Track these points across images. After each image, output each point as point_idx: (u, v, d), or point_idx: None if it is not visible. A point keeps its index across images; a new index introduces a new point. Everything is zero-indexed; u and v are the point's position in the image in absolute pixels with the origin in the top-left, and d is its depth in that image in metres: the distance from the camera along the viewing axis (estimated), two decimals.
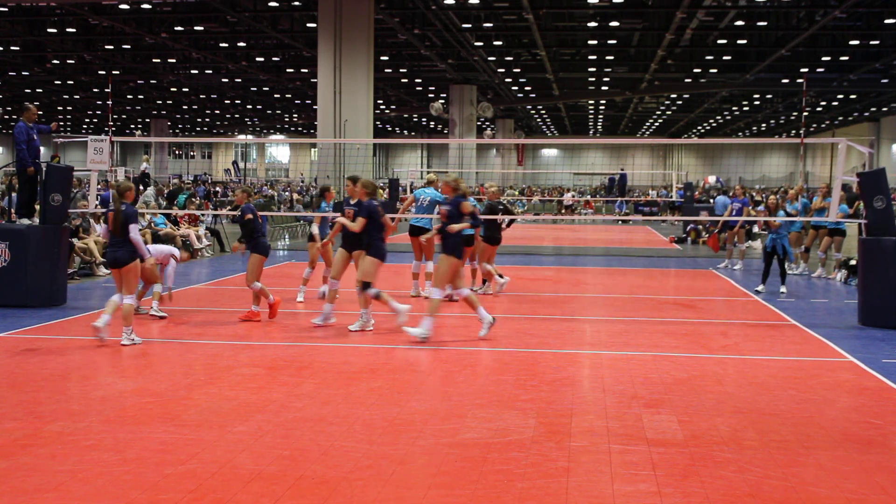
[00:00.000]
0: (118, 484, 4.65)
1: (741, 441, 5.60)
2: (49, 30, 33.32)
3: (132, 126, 72.69)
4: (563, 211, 40.35)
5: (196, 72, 44.17)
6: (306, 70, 40.69)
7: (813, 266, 16.11)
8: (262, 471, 4.89)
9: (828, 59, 36.06)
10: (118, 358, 7.90)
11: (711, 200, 27.66)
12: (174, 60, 41.41)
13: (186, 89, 51.56)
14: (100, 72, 43.05)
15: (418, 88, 50.39)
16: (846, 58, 35.64)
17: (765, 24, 30.47)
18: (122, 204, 8.58)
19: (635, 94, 46.61)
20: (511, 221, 13.04)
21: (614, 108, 59.46)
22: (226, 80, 46.70)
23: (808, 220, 15.57)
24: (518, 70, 42.29)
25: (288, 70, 42.51)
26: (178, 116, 68.49)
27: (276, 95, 54.28)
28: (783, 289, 13.11)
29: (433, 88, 49.49)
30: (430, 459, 5.15)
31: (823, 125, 65.49)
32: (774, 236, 13.15)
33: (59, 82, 48.03)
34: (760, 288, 13.23)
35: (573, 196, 43.91)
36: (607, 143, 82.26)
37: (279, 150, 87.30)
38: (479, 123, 52.48)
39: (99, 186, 10.66)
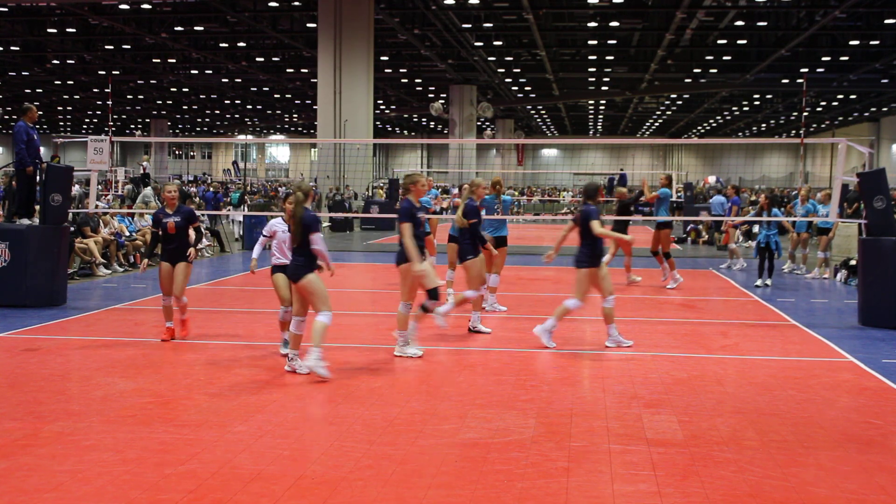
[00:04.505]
0: (118, 484, 4.65)
1: (741, 441, 5.60)
2: (49, 30, 33.34)
3: (132, 126, 72.67)
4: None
5: (196, 72, 44.17)
6: (306, 70, 40.69)
7: (810, 266, 16.17)
8: (262, 471, 4.89)
9: (828, 59, 36.06)
10: (118, 358, 7.89)
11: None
12: (174, 60, 41.42)
13: (186, 89, 51.56)
14: (100, 72, 43.07)
15: (418, 88, 50.39)
16: (846, 58, 35.65)
17: (765, 24, 30.48)
18: (303, 209, 7.27)
19: (635, 94, 46.60)
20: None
21: (614, 108, 59.44)
22: (226, 80, 46.71)
23: (814, 221, 15.67)
24: (518, 70, 42.28)
25: (288, 70, 42.51)
26: (178, 116, 68.49)
27: (276, 95, 54.27)
28: (768, 281, 13.96)
29: (433, 88, 49.49)
30: (430, 459, 5.14)
31: (823, 125, 65.47)
32: (768, 232, 13.86)
33: (59, 82, 48.03)
34: (759, 283, 13.93)
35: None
36: (607, 143, 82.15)
37: (279, 150, 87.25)
38: (479, 123, 52.46)
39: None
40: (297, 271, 7.21)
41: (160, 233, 8.68)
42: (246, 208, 25.93)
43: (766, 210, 14.09)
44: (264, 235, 8.29)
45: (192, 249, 8.82)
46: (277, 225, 8.09)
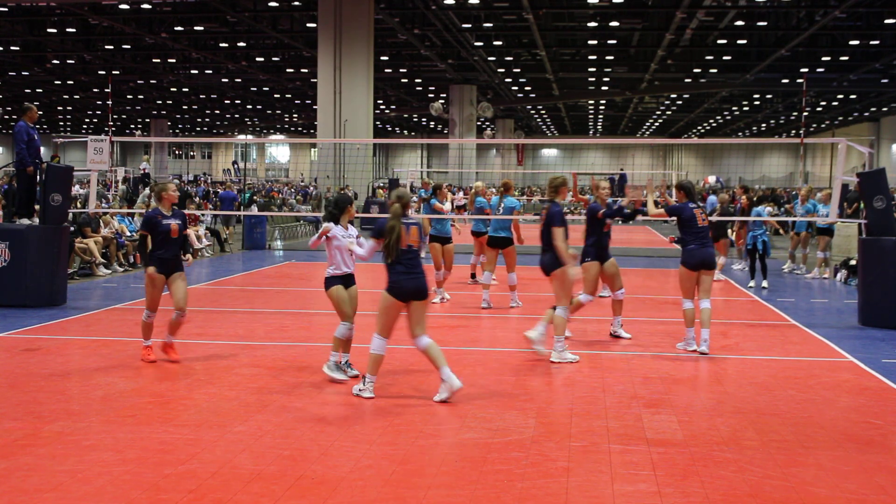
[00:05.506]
0: (118, 484, 4.65)
1: (741, 441, 5.60)
2: (49, 30, 33.33)
3: (132, 126, 72.65)
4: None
5: (196, 72, 44.17)
6: (306, 70, 40.68)
7: (810, 266, 16.18)
8: (262, 471, 4.89)
9: (828, 59, 36.05)
10: (118, 358, 7.89)
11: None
12: (174, 60, 41.41)
13: (186, 89, 51.54)
14: (100, 72, 43.05)
15: (418, 88, 50.36)
16: (846, 58, 35.63)
17: (765, 24, 30.47)
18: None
19: (635, 94, 46.57)
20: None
21: (614, 108, 59.42)
22: (226, 80, 46.70)
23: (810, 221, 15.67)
24: (518, 70, 42.27)
25: (288, 70, 42.51)
26: (178, 116, 68.46)
27: (276, 95, 54.26)
28: (764, 283, 13.86)
29: (433, 88, 49.47)
30: (430, 459, 5.14)
31: (823, 125, 65.45)
32: (755, 233, 13.90)
33: (59, 82, 48.01)
34: (752, 284, 13.97)
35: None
36: (607, 143, 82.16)
37: (279, 150, 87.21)
38: (479, 123, 52.44)
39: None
40: (425, 285, 6.75)
41: (158, 237, 7.63)
42: (256, 208, 26.01)
43: (747, 211, 14.28)
44: (325, 237, 7.16)
45: (189, 256, 7.96)
46: (337, 230, 7.14)
